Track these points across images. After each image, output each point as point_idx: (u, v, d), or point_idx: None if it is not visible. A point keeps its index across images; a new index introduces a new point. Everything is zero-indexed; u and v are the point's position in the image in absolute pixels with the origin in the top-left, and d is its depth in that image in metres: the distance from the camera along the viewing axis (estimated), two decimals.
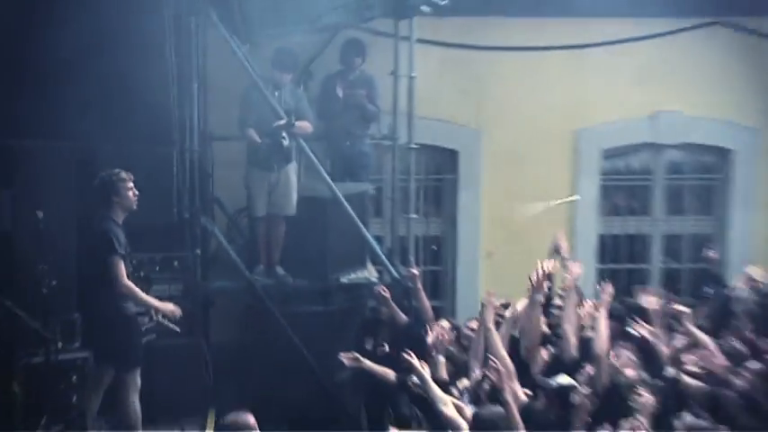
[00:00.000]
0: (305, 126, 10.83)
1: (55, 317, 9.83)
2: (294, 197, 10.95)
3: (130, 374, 9.32)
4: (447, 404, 7.81)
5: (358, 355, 8.99)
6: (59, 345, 9.87)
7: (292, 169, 11.00)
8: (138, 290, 9.32)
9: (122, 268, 9.17)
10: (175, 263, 11.08)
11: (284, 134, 10.72)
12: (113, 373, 9.37)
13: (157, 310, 9.57)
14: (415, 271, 10.85)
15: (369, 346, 10.45)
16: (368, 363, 8.94)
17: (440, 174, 13.61)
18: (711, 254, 12.20)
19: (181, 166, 11.08)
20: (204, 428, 10.19)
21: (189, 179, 11.01)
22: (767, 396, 7.75)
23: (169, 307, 9.54)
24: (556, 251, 10.53)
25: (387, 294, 10.37)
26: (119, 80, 10.61)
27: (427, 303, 10.70)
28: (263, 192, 10.88)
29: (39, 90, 10.95)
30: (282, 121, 10.64)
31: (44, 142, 11.04)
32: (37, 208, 9.94)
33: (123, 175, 9.29)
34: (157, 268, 11.05)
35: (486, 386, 8.34)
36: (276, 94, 10.77)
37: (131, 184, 9.36)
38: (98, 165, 10.84)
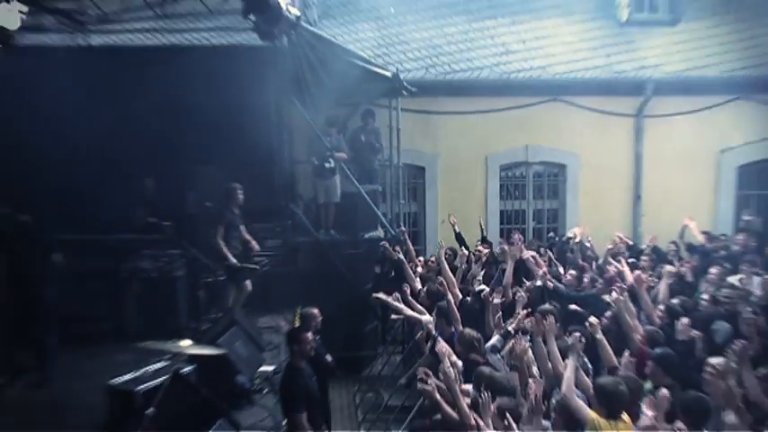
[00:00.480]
0: (342, 156, 12.52)
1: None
2: (338, 192, 12.60)
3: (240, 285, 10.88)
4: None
5: (384, 297, 9.40)
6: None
7: (337, 177, 12.54)
8: (222, 246, 10.73)
9: (221, 232, 10.73)
10: (278, 228, 12.76)
11: (330, 160, 12.41)
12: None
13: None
14: (403, 229, 12.71)
15: (378, 271, 12.46)
16: (391, 301, 9.25)
17: (415, 179, 14.87)
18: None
19: (279, 176, 12.87)
20: (294, 317, 10.68)
21: (284, 183, 12.86)
22: None
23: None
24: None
25: (388, 245, 11.97)
26: (244, 130, 11.80)
27: (411, 247, 12.32)
28: (322, 190, 12.59)
29: (202, 134, 11.97)
30: (329, 154, 12.36)
31: (204, 167, 12.34)
32: (207, 201, 11.88)
33: (236, 185, 10.90)
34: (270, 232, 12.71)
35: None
36: (327, 138, 12.44)
37: (240, 191, 10.93)
38: (233, 179, 11.91)
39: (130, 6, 12.30)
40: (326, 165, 12.45)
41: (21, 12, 11.24)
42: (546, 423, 6.03)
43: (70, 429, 8.03)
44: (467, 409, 5.96)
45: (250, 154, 12.40)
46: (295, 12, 10.98)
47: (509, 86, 14.28)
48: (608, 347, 7.15)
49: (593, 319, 7.30)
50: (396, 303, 9.17)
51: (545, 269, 10.08)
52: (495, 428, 5.65)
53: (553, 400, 6.39)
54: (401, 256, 11.22)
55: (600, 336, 7.08)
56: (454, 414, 6.10)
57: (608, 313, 8.28)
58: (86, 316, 10.73)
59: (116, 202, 11.57)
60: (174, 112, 12.01)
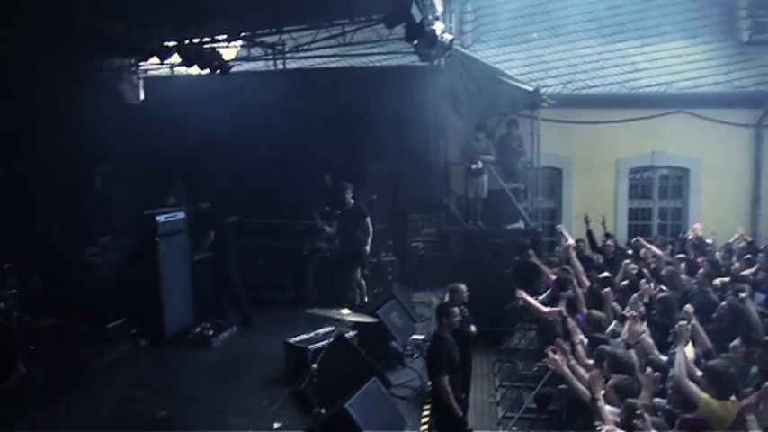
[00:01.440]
0: (489, 158, 12.45)
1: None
2: (486, 189, 12.51)
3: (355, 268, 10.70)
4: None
5: (524, 295, 9.13)
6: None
7: (485, 176, 12.44)
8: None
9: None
10: (433, 219, 12.82)
11: (479, 162, 12.32)
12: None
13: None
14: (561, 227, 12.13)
15: (518, 258, 12.03)
16: (528, 299, 9.10)
17: (553, 179, 14.31)
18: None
19: (436, 174, 13.05)
20: (443, 294, 10.47)
21: (439, 181, 13.07)
22: None
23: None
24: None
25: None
26: (407, 135, 12.22)
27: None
28: (471, 187, 12.53)
29: (373, 138, 12.26)
30: (478, 156, 12.31)
31: (377, 165, 12.55)
32: (373, 194, 12.06)
33: (347, 185, 10.56)
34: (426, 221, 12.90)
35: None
36: (477, 143, 12.42)
37: (350, 190, 10.54)
38: (397, 177, 12.86)
39: (318, 38, 12.61)
40: (474, 166, 12.43)
41: (235, 47, 12.29)
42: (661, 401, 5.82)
43: (260, 372, 8.55)
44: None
45: (411, 155, 12.68)
46: (449, 37, 11.04)
47: (637, 100, 13.79)
48: (702, 333, 6.71)
49: (688, 307, 6.93)
50: (529, 299, 9.14)
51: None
52: (608, 402, 5.48)
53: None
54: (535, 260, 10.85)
55: (694, 322, 6.62)
56: (579, 385, 5.98)
57: (724, 303, 7.72)
58: (275, 285, 11.46)
59: (302, 195, 12.19)
60: (350, 121, 12.43)
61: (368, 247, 10.85)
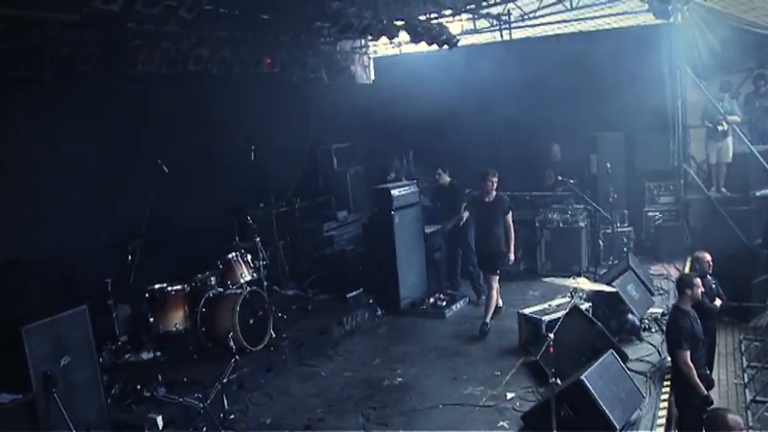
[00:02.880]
0: (735, 119, 11.54)
1: None
2: (731, 153, 11.74)
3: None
4: None
5: None
6: None
7: (729, 139, 11.64)
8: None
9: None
10: (671, 187, 12.06)
11: (723, 123, 11.49)
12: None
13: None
14: None
15: None
16: None
17: None
18: None
19: (673, 139, 12.13)
20: (683, 265, 10.73)
21: (677, 146, 12.20)
22: None
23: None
24: None
25: None
26: (640, 99, 11.37)
27: None
28: (713, 151, 11.84)
29: (604, 105, 11.38)
30: (722, 117, 11.43)
31: (605, 133, 12.06)
32: (607, 162, 11.80)
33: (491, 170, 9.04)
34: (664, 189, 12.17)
35: None
36: (720, 103, 11.56)
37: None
38: (631, 144, 12.34)
39: (544, 4, 12.44)
40: (719, 128, 11.63)
41: (461, 20, 12.52)
42: None
43: (493, 343, 8.67)
44: None
45: (646, 120, 12.02)
46: None
47: None
48: None
49: None
50: None
51: None
52: None
53: None
54: None
55: None
56: None
57: None
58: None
59: (531, 166, 12.25)
60: (580, 88, 12.04)
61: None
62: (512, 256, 9.09)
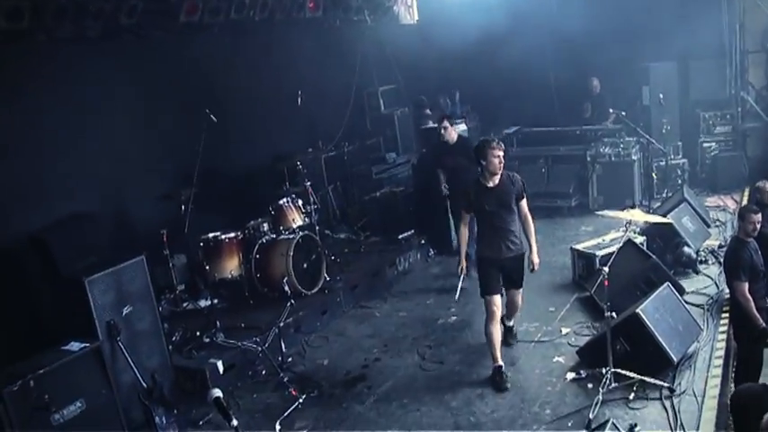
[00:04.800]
0: None
1: None
2: None
3: None
4: None
5: None
6: None
7: None
8: None
9: None
10: (728, 116, 11.77)
11: None
12: None
13: None
14: None
15: None
16: None
17: None
18: None
19: (728, 66, 11.83)
20: (742, 196, 10.65)
21: (735, 72, 11.79)
22: None
23: None
24: None
25: None
26: (694, 24, 10.96)
27: None
28: None
29: (657, 32, 11.21)
30: None
31: (657, 63, 11.69)
32: (659, 92, 11.66)
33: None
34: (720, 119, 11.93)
35: None
36: None
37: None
38: (685, 73, 12.03)
39: None
40: None
41: None
42: None
43: (547, 279, 8.49)
44: None
45: (700, 48, 11.66)
46: None
47: None
48: None
49: None
50: None
51: None
52: None
53: None
54: None
55: None
56: None
57: None
58: (559, 193, 11.29)
59: (567, 101, 12.27)
60: (628, 18, 11.65)
61: None
62: (536, 259, 6.62)
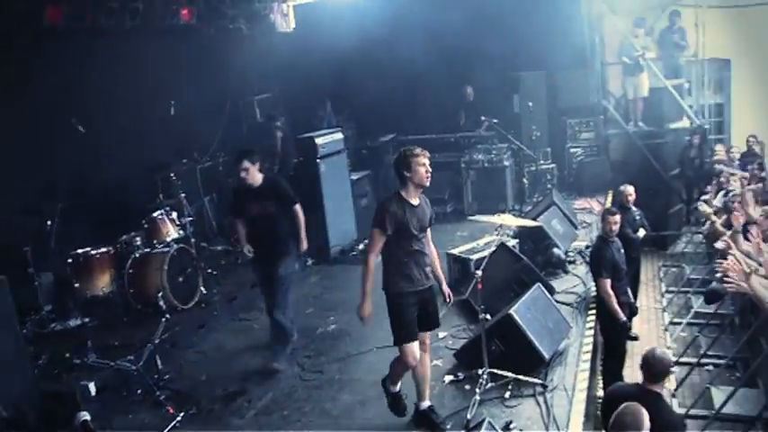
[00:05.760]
0: (649, 55, 11.65)
1: None
2: (647, 88, 11.92)
3: None
4: None
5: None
6: None
7: (644, 74, 11.79)
8: None
9: None
10: (591, 122, 12.40)
11: (639, 59, 11.58)
12: None
13: None
14: None
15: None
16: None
17: (720, 72, 12.88)
18: None
19: (591, 77, 12.42)
20: (606, 199, 11.09)
21: (596, 82, 12.43)
22: None
23: None
24: None
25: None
26: (560, 38, 11.61)
27: None
28: (630, 86, 12.08)
29: (524, 44, 11.64)
30: (641, 54, 11.55)
31: (531, 72, 12.59)
32: (529, 101, 12.40)
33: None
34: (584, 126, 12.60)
35: None
36: (635, 39, 11.63)
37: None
38: (552, 82, 12.54)
39: None
40: (634, 63, 11.82)
41: None
42: None
43: None
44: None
45: (565, 59, 12.18)
46: None
47: None
48: None
49: None
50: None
51: None
52: None
53: None
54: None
55: None
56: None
57: None
58: (434, 199, 11.09)
59: (441, 106, 12.39)
60: (500, 29, 11.81)
61: None
62: (448, 289, 5.68)
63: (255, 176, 6.75)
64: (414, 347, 5.24)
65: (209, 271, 9.08)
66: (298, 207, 6.93)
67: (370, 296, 5.23)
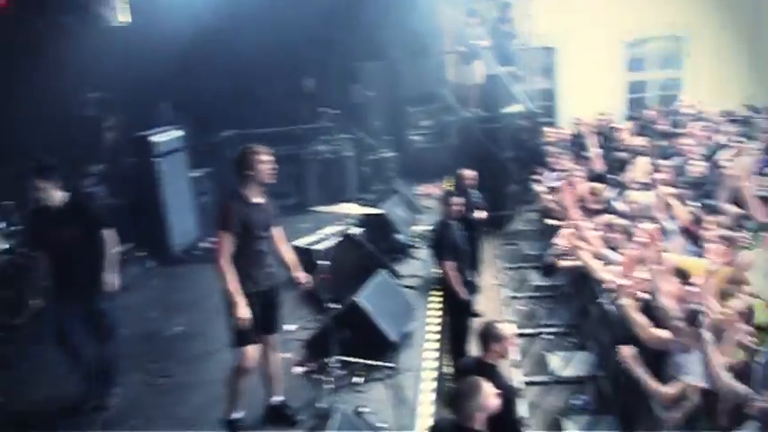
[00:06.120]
0: (483, 43, 11.89)
1: None
2: (481, 75, 12.14)
3: None
4: None
5: None
6: None
7: (479, 62, 11.98)
8: None
9: None
10: (431, 110, 12.79)
11: (472, 47, 11.95)
12: None
13: None
14: None
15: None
16: None
17: (547, 59, 14.11)
18: None
19: (428, 65, 12.68)
20: (446, 183, 11.01)
21: (434, 71, 12.78)
22: None
23: None
24: None
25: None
26: (399, 27, 11.74)
27: None
28: (466, 74, 12.19)
29: (364, 34, 11.86)
30: (472, 42, 11.97)
31: (369, 62, 12.81)
32: (368, 91, 12.98)
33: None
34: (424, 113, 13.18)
35: None
36: (469, 28, 11.98)
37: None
38: (392, 72, 12.89)
39: None
40: (469, 51, 12.10)
41: None
42: None
43: None
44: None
45: (407, 47, 12.46)
46: None
47: None
48: None
49: None
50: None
51: None
52: None
53: None
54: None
55: None
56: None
57: None
58: (277, 193, 11.05)
59: (281, 99, 12.22)
60: (331, 18, 11.82)
61: None
62: (302, 274, 5.67)
63: (54, 196, 5.71)
64: (247, 353, 5.08)
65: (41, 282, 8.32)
66: (108, 232, 5.94)
67: (240, 295, 4.97)
